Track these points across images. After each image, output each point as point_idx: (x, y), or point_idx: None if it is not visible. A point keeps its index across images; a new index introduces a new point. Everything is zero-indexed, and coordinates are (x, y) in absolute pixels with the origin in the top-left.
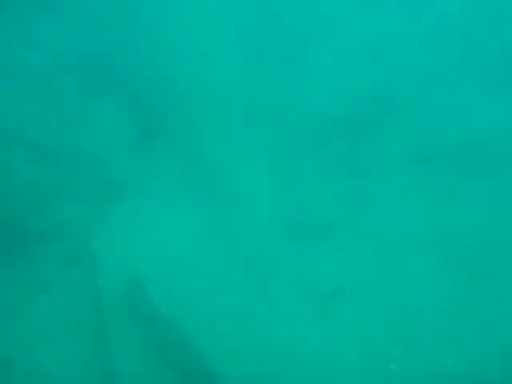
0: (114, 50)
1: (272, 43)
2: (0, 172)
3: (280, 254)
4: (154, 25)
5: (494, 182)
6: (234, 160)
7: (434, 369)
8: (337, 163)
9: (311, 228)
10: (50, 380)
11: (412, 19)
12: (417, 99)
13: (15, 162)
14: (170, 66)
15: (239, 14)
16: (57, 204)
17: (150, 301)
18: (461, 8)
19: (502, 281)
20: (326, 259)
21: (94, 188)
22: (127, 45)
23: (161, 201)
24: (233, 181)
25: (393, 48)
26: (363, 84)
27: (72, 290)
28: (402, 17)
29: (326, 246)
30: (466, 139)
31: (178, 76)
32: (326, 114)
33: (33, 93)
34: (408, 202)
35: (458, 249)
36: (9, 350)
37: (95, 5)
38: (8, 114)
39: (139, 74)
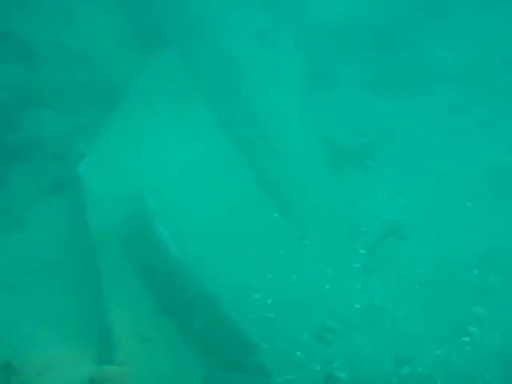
0: None
1: None
2: None
3: (314, 184)
4: None
5: None
6: (257, 68)
7: None
8: (371, 78)
9: (348, 152)
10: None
11: None
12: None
13: None
14: None
15: None
16: (34, 114)
17: (153, 236)
18: None
19: None
20: (368, 191)
21: (80, 95)
22: None
23: (166, 113)
24: (255, 92)
25: None
26: None
27: (53, 225)
28: None
29: (366, 174)
30: None
31: None
32: (357, 22)
33: None
34: (451, 123)
35: None
36: None
37: None
38: None
39: None
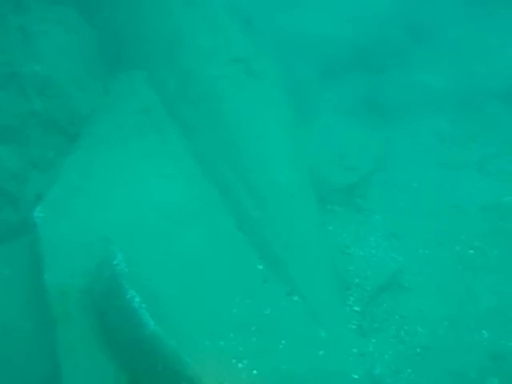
0: None
1: None
2: None
3: (302, 230)
4: None
5: None
6: (237, 96)
7: None
8: (359, 104)
9: (336, 191)
10: None
11: None
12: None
13: None
14: None
15: None
16: None
17: (121, 296)
18: None
19: None
20: (359, 235)
21: (36, 128)
22: None
23: (136, 147)
24: (235, 123)
25: None
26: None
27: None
28: None
29: (357, 215)
30: None
31: None
32: (342, 43)
33: None
34: (445, 156)
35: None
36: None
37: None
38: None
39: None
